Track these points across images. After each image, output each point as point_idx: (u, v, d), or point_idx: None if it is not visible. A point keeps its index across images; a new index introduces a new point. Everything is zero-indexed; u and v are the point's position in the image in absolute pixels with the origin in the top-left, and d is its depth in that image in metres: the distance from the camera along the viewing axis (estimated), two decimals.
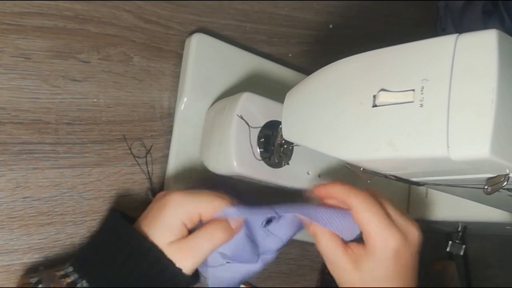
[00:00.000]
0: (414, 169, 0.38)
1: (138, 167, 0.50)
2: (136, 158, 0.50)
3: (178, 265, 0.40)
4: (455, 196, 0.48)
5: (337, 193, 0.42)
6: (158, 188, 0.51)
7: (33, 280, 0.41)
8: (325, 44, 0.67)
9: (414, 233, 0.41)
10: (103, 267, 0.40)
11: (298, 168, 0.51)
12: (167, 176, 0.51)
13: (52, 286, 0.39)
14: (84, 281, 0.39)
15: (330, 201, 0.43)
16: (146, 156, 0.50)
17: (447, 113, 0.32)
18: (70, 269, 0.41)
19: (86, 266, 0.41)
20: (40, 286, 0.40)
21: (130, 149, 0.50)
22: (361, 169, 0.41)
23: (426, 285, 0.48)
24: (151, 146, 0.51)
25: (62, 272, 0.40)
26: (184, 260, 0.40)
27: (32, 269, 0.44)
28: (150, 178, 0.50)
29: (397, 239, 0.39)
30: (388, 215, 0.40)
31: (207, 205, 0.42)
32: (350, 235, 0.42)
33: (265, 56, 0.59)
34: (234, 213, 0.42)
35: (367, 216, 0.39)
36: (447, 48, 0.33)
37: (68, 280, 0.40)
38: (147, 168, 0.50)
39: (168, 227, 0.41)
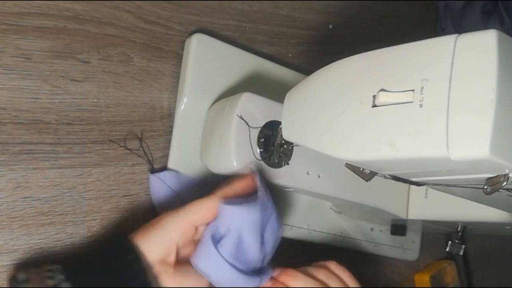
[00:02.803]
0: (414, 169, 0.38)
1: (138, 167, 0.51)
2: (134, 151, 0.50)
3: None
4: (455, 196, 0.48)
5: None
6: None
7: (21, 277, 0.40)
8: (325, 44, 0.67)
9: None
10: (88, 270, 0.41)
11: (298, 168, 0.51)
12: None
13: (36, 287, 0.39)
14: (68, 284, 0.40)
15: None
16: (141, 144, 0.50)
17: (446, 113, 0.32)
18: (57, 267, 0.41)
19: (74, 269, 0.41)
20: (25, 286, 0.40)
21: (125, 145, 0.50)
22: (361, 169, 0.41)
23: None
24: (142, 132, 0.50)
25: (50, 273, 0.40)
26: (169, 285, 0.42)
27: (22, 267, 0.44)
28: (151, 162, 0.50)
29: None
30: None
31: (198, 214, 0.44)
32: None
33: (265, 56, 0.59)
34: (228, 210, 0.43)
35: None
36: (446, 48, 0.34)
37: (52, 282, 0.40)
38: (144, 152, 0.50)
39: (159, 244, 0.42)
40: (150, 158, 0.50)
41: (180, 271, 0.43)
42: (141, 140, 0.50)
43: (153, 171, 0.50)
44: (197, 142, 0.52)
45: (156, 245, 0.42)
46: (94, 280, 0.40)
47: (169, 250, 0.43)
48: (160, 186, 0.49)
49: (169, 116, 0.53)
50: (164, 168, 0.51)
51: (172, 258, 0.43)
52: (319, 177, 0.52)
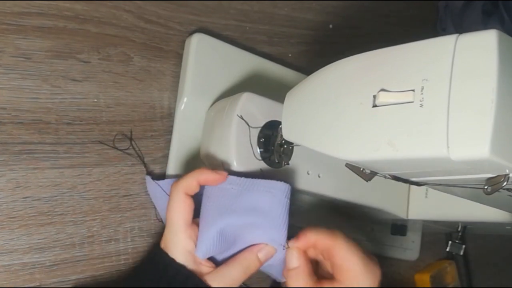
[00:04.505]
0: (414, 169, 0.38)
1: (138, 166, 0.51)
2: (137, 151, 0.50)
3: None
4: (455, 196, 0.48)
5: (317, 241, 0.43)
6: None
7: None
8: (325, 44, 0.67)
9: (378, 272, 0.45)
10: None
11: (298, 168, 0.51)
12: (167, 176, 0.51)
13: None
14: None
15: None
16: (131, 143, 0.50)
17: (447, 113, 0.32)
18: None
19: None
20: None
21: (114, 146, 0.50)
22: (361, 169, 0.41)
23: None
24: (131, 130, 0.50)
25: None
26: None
27: None
28: (143, 161, 0.50)
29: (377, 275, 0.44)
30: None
31: (185, 210, 0.43)
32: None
33: (265, 56, 0.59)
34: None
35: (350, 252, 0.42)
36: (447, 48, 0.33)
37: None
38: (136, 152, 0.50)
39: (184, 260, 0.42)
40: (141, 155, 0.50)
41: (219, 270, 0.42)
42: (130, 139, 0.50)
43: (148, 171, 0.50)
44: (197, 142, 0.52)
45: (181, 251, 0.42)
46: None
47: (191, 253, 0.42)
48: (161, 194, 0.49)
49: (169, 116, 0.53)
50: (163, 173, 0.52)
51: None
52: (319, 177, 0.52)
